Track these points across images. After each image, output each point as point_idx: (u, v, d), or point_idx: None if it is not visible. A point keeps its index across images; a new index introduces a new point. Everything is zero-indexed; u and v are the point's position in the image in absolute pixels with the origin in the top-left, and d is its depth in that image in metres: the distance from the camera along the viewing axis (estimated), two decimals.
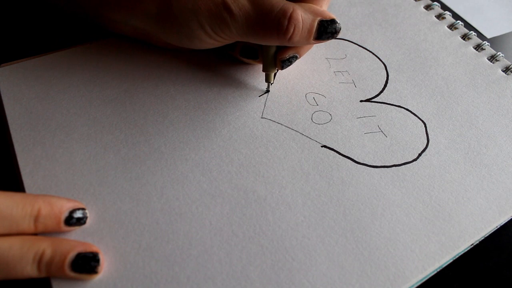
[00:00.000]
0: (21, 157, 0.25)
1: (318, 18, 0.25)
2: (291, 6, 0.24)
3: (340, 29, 0.26)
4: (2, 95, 0.27)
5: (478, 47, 0.35)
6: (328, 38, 0.26)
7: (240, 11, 0.24)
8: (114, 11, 0.28)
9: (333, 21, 0.26)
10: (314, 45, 0.31)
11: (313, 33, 0.25)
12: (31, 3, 0.35)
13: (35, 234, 0.21)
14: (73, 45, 0.31)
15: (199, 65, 0.31)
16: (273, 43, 0.26)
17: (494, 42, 0.39)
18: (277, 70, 0.29)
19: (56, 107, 0.27)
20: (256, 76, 0.31)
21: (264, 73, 0.29)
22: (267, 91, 0.30)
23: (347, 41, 0.34)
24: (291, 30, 0.24)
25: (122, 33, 0.31)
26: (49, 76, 0.29)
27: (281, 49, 0.28)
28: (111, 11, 0.28)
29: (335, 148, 0.27)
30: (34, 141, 0.26)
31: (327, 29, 0.25)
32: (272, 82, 0.29)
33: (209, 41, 0.27)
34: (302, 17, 0.25)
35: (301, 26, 0.25)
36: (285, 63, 0.28)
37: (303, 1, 0.26)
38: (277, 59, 0.28)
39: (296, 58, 0.28)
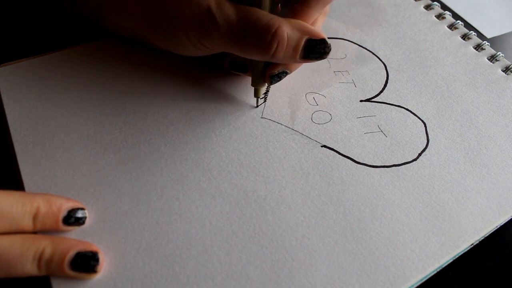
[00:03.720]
0: (21, 157, 0.25)
1: (306, 37, 0.24)
2: (277, 21, 0.23)
3: (330, 50, 0.24)
4: (2, 95, 0.27)
5: (478, 47, 0.35)
6: (316, 59, 0.25)
7: (225, 21, 0.24)
8: (108, 12, 0.28)
9: (322, 41, 0.24)
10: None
11: (299, 52, 0.24)
12: (31, 3, 0.35)
13: (35, 232, 0.21)
14: (73, 45, 0.31)
15: (199, 66, 0.31)
16: (257, 57, 0.25)
17: (494, 42, 0.39)
18: (268, 86, 0.28)
19: (56, 107, 0.27)
20: None
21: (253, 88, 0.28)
22: (256, 106, 0.29)
23: (347, 41, 0.34)
24: (274, 46, 0.23)
25: (121, 34, 0.31)
26: (49, 76, 0.29)
27: (270, 64, 0.26)
28: (105, 12, 0.28)
29: (335, 148, 0.27)
30: (34, 141, 0.26)
31: (314, 49, 0.24)
32: (260, 97, 0.28)
33: (193, 49, 0.26)
34: (288, 34, 0.23)
35: (285, 43, 0.23)
36: (273, 79, 0.26)
37: (295, 17, 0.25)
38: (266, 74, 0.26)
39: (286, 73, 0.26)
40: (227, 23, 0.24)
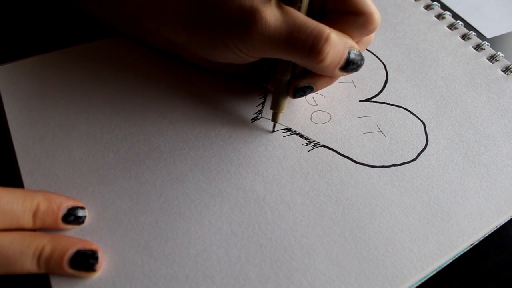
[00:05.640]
0: (20, 156, 0.25)
1: (348, 47, 0.24)
2: (326, 27, 0.23)
3: (364, 63, 0.25)
4: (2, 94, 0.27)
5: (478, 47, 0.35)
6: (351, 70, 0.25)
7: (273, 21, 0.23)
8: (147, 17, 0.27)
9: (360, 53, 0.25)
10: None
11: (342, 61, 0.24)
12: (31, 2, 0.35)
13: (34, 229, 0.21)
14: (72, 45, 0.31)
15: (199, 66, 0.31)
16: (301, 62, 0.24)
17: (494, 42, 0.39)
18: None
19: (56, 106, 0.27)
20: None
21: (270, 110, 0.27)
22: (273, 131, 0.28)
23: None
24: (326, 51, 0.23)
25: (158, 45, 0.30)
26: (49, 75, 0.29)
27: (294, 79, 0.26)
28: (144, 17, 0.27)
29: (334, 148, 0.27)
30: (33, 139, 0.26)
31: (354, 61, 0.24)
32: (277, 121, 0.27)
33: (231, 55, 0.25)
34: (336, 41, 0.23)
35: (336, 50, 0.23)
36: (298, 92, 0.26)
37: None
38: (291, 86, 0.26)
39: (311, 89, 0.26)
40: (275, 24, 0.23)
